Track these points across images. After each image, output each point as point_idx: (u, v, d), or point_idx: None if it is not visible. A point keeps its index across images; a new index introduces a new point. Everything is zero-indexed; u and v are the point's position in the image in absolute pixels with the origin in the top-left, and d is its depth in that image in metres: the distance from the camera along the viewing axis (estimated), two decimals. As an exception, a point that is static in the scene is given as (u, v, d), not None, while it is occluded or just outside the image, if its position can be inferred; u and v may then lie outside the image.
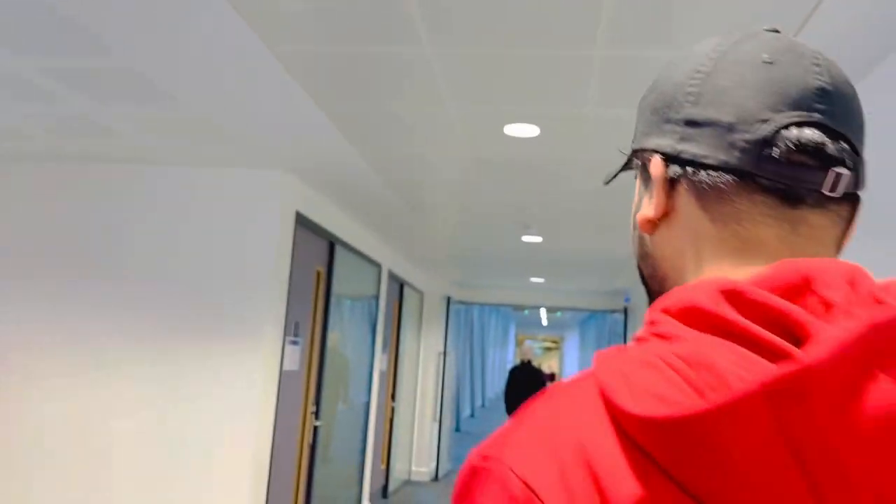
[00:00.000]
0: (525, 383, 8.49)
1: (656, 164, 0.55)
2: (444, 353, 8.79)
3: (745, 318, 0.44)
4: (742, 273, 0.50)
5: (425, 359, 8.67)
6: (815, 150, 0.49)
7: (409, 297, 7.91)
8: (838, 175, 0.49)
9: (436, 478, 8.58)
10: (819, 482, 0.39)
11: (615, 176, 0.65)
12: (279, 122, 3.10)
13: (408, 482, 8.27)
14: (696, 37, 2.10)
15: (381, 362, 6.57)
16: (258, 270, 3.86)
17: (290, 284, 4.10)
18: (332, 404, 5.16)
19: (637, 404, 0.42)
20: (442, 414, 8.76)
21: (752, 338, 0.43)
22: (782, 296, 0.45)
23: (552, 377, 8.07)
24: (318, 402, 4.75)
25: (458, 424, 13.82)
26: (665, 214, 0.56)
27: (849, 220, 0.53)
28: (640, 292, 8.01)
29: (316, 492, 4.82)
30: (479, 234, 5.51)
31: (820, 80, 0.51)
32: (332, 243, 4.89)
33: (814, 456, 0.39)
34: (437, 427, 8.69)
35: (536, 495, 0.42)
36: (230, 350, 3.81)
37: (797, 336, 0.42)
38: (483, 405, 20.70)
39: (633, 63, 2.30)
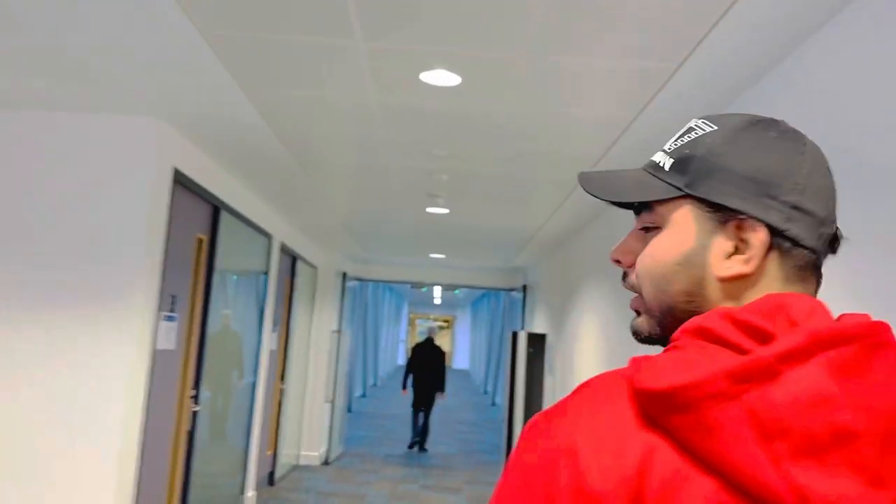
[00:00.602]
0: (427, 359, 9.50)
1: (763, 234, 0.67)
2: (339, 331, 8.38)
3: (737, 331, 0.62)
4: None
5: (318, 337, 8.21)
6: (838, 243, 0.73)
7: (303, 272, 7.43)
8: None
9: (326, 462, 8.18)
10: (770, 437, 0.55)
11: (643, 203, 0.74)
12: (151, 53, 2.59)
13: (296, 467, 7.83)
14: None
15: (270, 341, 6.09)
16: (127, 234, 3.32)
17: (165, 252, 3.57)
18: (215, 387, 4.65)
19: (647, 381, 0.59)
20: (335, 395, 8.36)
21: (730, 342, 0.61)
22: (763, 317, 0.63)
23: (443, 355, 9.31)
24: (197, 385, 4.25)
25: (350, 405, 13.41)
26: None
27: None
28: (540, 271, 7.89)
29: (195, 481, 4.33)
30: (381, 202, 5.12)
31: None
32: (216, 208, 4.37)
33: (764, 417, 0.55)
34: (330, 408, 8.28)
35: (575, 447, 0.59)
36: (92, 325, 3.26)
37: (768, 341, 0.60)
38: (375, 384, 20.35)
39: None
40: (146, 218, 3.33)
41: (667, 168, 0.71)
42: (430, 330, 9.62)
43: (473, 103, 2.89)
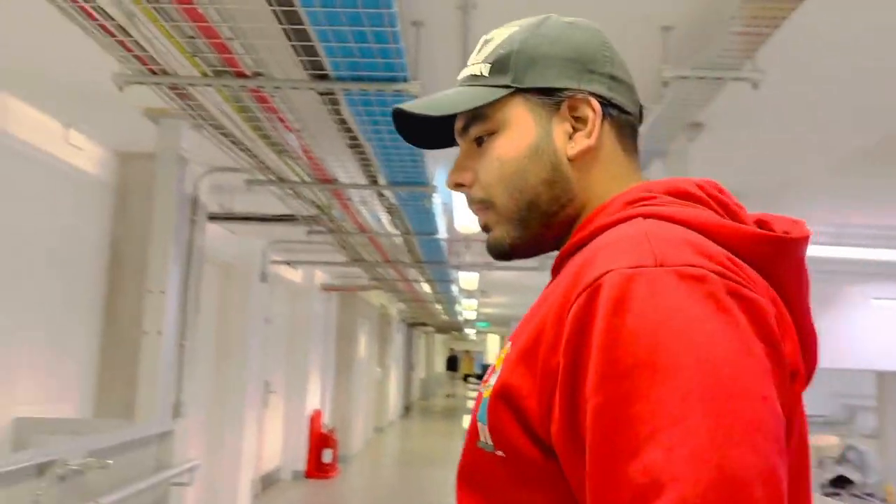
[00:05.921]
0: None
1: (595, 104, 0.74)
2: None
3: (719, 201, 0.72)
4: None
5: None
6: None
7: None
8: None
9: None
10: (798, 298, 0.70)
11: (482, 105, 0.76)
12: None
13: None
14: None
15: None
16: None
17: None
18: None
19: (741, 228, 0.68)
20: None
21: (732, 210, 0.71)
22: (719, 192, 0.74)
23: None
24: None
25: None
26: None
27: None
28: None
29: None
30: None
31: None
32: None
33: (801, 282, 0.71)
34: None
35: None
36: None
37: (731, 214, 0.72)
38: None
39: None
40: None
41: (487, 74, 0.76)
42: None
43: None
